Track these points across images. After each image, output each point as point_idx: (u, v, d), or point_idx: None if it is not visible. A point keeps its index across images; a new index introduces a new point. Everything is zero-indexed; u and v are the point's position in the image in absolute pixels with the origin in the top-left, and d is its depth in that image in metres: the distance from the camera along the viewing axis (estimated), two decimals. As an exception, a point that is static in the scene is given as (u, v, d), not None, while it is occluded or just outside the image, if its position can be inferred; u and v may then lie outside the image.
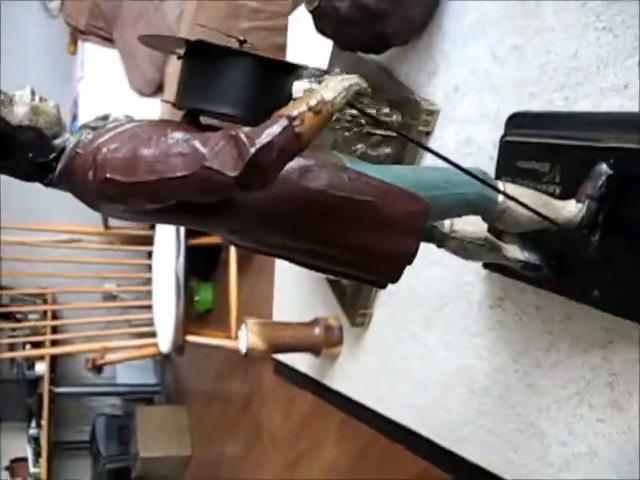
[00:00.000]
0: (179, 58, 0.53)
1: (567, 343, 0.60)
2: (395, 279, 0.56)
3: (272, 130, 0.45)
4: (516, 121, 0.66)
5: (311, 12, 0.82)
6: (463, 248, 0.61)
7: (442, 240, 0.61)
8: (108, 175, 0.48)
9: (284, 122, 0.45)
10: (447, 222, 0.60)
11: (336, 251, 0.54)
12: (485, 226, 0.62)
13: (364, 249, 0.53)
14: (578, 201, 0.56)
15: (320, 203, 0.52)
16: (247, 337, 1.02)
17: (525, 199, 0.56)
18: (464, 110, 0.77)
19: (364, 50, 0.84)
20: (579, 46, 0.60)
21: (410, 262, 0.55)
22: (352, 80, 0.48)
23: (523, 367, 0.64)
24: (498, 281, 0.64)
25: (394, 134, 0.84)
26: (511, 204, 0.57)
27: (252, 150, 0.45)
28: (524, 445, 0.63)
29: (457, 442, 0.73)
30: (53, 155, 0.50)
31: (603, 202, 0.55)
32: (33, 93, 0.50)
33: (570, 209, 0.56)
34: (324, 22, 0.81)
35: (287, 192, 0.52)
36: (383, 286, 0.59)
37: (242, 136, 0.45)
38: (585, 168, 0.56)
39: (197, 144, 0.47)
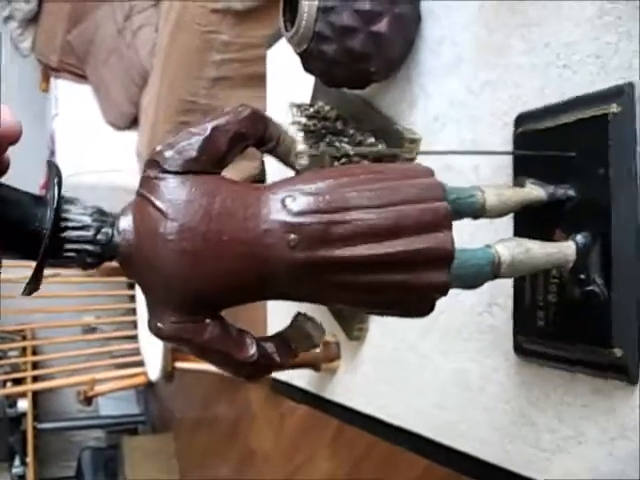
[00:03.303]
0: None
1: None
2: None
3: None
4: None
5: (299, 54, 0.90)
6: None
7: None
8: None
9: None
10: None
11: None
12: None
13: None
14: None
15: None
16: (249, 357, 1.07)
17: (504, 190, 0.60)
18: (444, 138, 0.85)
19: (349, 87, 0.92)
20: (545, 82, 0.69)
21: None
22: None
23: (514, 365, 0.72)
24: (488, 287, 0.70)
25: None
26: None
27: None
28: (517, 435, 0.70)
29: (457, 439, 0.81)
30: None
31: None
32: None
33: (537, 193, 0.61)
34: (312, 63, 0.89)
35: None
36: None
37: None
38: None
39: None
